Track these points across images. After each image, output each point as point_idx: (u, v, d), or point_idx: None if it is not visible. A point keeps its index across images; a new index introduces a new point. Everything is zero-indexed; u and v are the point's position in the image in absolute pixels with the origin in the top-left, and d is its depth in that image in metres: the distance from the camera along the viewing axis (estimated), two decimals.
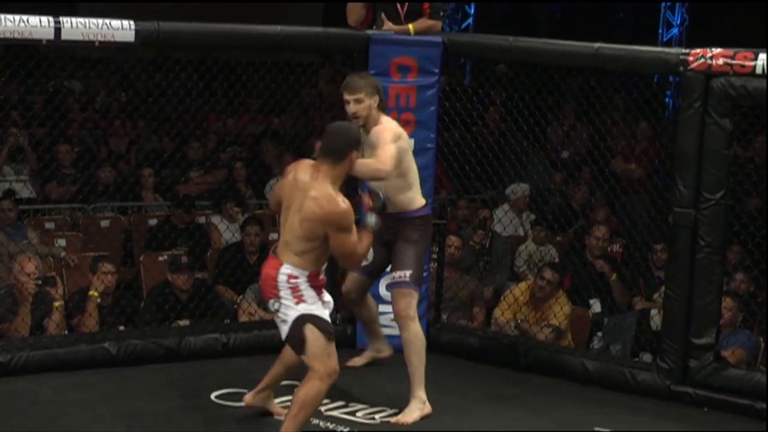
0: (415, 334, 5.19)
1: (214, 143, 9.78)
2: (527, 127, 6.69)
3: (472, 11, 14.51)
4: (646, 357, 6.58)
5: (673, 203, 5.50)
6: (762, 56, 5.22)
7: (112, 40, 5.45)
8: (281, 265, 4.52)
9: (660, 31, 14.36)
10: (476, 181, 8.29)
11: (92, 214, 8.24)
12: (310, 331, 4.52)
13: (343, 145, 4.51)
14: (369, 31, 6.02)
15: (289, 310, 4.53)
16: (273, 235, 8.05)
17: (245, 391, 5.15)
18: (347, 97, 5.15)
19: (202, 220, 8.16)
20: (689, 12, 14.19)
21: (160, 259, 7.34)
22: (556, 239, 8.19)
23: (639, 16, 14.70)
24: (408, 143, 5.29)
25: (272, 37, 5.86)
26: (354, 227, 4.52)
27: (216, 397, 5.31)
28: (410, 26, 5.96)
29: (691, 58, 5.37)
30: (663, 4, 14.33)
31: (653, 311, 6.80)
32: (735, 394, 5.44)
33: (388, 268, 5.39)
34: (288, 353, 4.88)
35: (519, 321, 6.69)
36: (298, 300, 4.52)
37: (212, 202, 8.32)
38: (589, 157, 7.80)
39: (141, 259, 7.52)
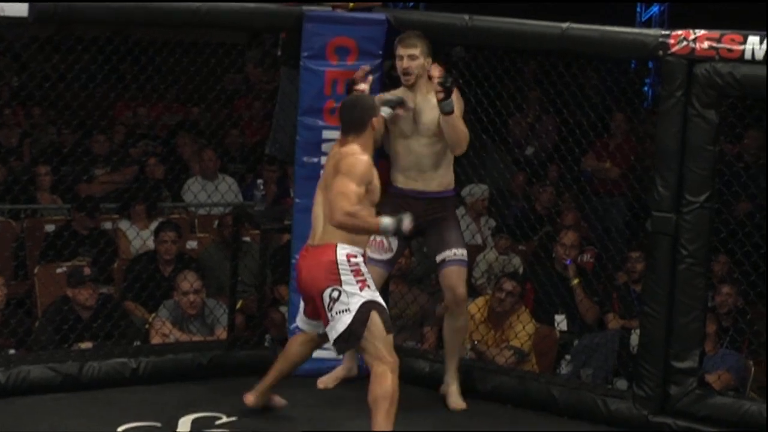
0: (467, 319, 5.79)
1: (122, 136, 9.71)
2: (486, 119, 6.72)
3: None
4: (621, 383, 6.64)
5: (652, 207, 5.55)
6: (752, 39, 5.28)
7: (2, 14, 5.41)
8: (336, 246, 4.82)
9: (638, 9, 14.47)
10: None
11: None
12: (377, 320, 4.85)
13: (363, 115, 4.99)
14: (303, 7, 6.02)
15: (352, 297, 4.82)
16: (191, 243, 8.04)
17: (157, 424, 5.13)
18: (401, 51, 5.55)
19: (108, 225, 8.11)
20: None
21: (59, 271, 7.27)
22: (519, 248, 8.24)
23: None
24: None
25: (191, 14, 5.85)
26: (364, 187, 4.84)
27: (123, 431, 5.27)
28: None
29: (671, 41, 5.44)
30: None
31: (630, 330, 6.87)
32: (721, 425, 5.50)
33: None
34: (293, 348, 5.23)
35: (476, 342, 6.72)
36: (362, 285, 4.84)
37: (120, 204, 8.27)
38: (557, 154, 7.86)
39: (35, 271, 7.46)
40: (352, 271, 4.85)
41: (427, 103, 5.55)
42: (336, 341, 4.93)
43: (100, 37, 6.45)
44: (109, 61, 6.51)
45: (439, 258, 5.63)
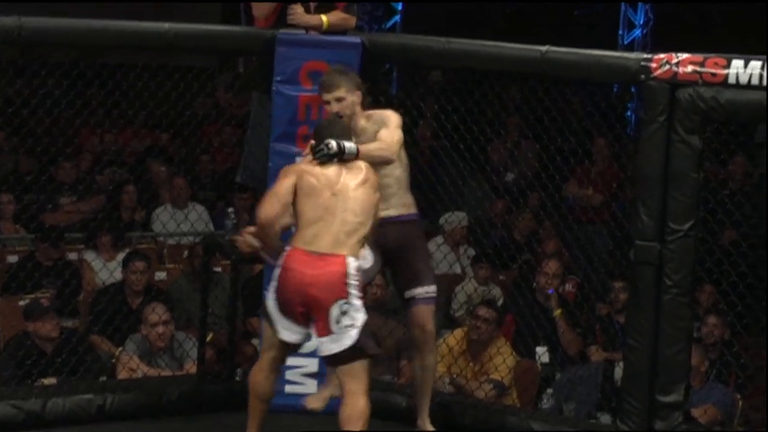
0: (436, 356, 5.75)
1: (88, 163, 9.69)
2: (464, 145, 6.73)
3: (400, 7, 14.59)
4: (605, 418, 6.64)
5: (635, 235, 5.56)
6: (736, 63, 5.31)
7: None
8: (345, 257, 4.92)
9: (620, 32, 14.55)
10: None
11: None
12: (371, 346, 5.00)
13: (342, 134, 5.14)
14: (275, 31, 6.02)
15: (357, 313, 4.93)
16: (160, 274, 8.01)
17: None
18: (326, 97, 5.40)
19: (73, 256, 8.07)
20: (654, 11, 14.41)
21: (21, 303, 7.24)
22: (499, 278, 8.25)
23: (599, 15, 14.87)
24: None
25: (159, 36, 5.84)
26: None
27: None
28: (323, 17, 5.97)
29: (653, 65, 5.46)
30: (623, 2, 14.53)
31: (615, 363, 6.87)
32: None
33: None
34: (261, 385, 5.18)
35: (454, 376, 6.71)
36: (362, 302, 4.95)
37: (86, 234, 8.24)
38: (537, 181, 7.88)
39: None
40: (357, 285, 4.95)
41: (367, 136, 5.42)
42: (335, 356, 4.98)
43: (65, 61, 6.43)
44: (75, 86, 6.48)
45: (408, 294, 5.58)
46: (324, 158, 5.07)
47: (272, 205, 5.05)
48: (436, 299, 5.67)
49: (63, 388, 6.02)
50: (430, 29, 6.54)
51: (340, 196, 5.02)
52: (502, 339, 6.93)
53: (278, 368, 5.31)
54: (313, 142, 5.15)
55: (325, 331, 4.95)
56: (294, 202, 5.05)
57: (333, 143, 5.08)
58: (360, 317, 4.94)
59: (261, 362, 5.27)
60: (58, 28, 5.70)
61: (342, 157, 5.09)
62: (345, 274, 4.94)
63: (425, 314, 5.58)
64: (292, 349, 5.19)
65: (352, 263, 4.96)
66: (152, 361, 6.70)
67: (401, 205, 5.53)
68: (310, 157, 5.12)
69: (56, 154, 8.08)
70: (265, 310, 5.13)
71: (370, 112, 5.51)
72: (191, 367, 6.61)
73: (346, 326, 4.92)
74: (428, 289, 5.57)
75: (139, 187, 9.09)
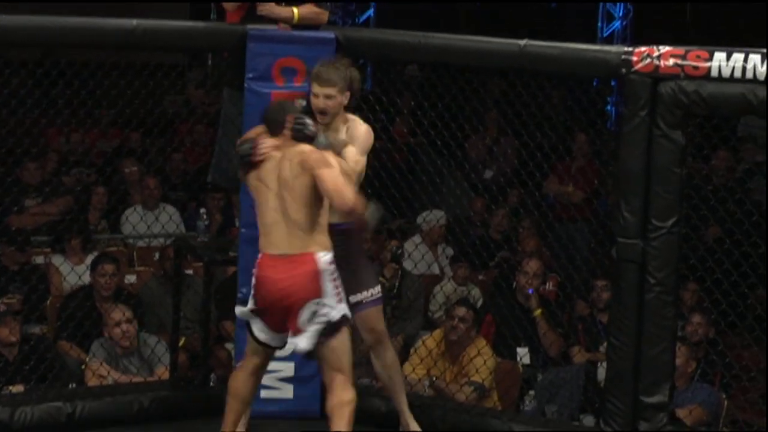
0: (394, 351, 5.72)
1: (54, 164, 9.65)
2: (441, 142, 6.74)
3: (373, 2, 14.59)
4: (588, 420, 6.65)
5: (617, 233, 5.58)
6: (718, 55, 5.32)
7: None
8: (314, 254, 4.93)
9: (599, 24, 14.57)
10: None
11: None
12: (346, 335, 5.04)
13: (284, 116, 5.15)
14: (247, 26, 6.01)
15: (332, 311, 4.97)
16: (129, 277, 7.99)
17: None
18: (317, 89, 5.35)
19: (40, 260, 8.04)
20: (633, 1, 14.44)
21: None
22: (478, 278, 8.26)
23: (578, 7, 14.90)
24: None
25: (127, 34, 5.81)
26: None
27: None
28: (294, 9, 5.94)
29: (634, 58, 5.47)
30: None
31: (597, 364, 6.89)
32: None
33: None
34: (241, 386, 5.21)
35: (434, 378, 6.71)
36: (338, 297, 4.98)
37: (53, 237, 8.20)
38: (517, 178, 7.90)
39: None
40: (332, 280, 4.98)
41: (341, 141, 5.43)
42: (310, 353, 5.05)
43: (29, 60, 6.41)
44: (40, 85, 6.47)
45: (354, 299, 5.52)
46: (299, 136, 5.10)
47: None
48: (383, 299, 5.66)
49: (31, 396, 6.00)
50: (405, 23, 6.54)
51: (283, 192, 5.04)
52: (482, 340, 6.94)
53: (261, 373, 5.33)
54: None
55: (297, 330, 5.00)
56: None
57: (310, 123, 5.14)
58: (334, 314, 4.98)
59: (244, 364, 5.28)
60: (20, 26, 5.65)
61: (312, 144, 5.11)
62: (317, 272, 4.96)
63: (373, 316, 5.57)
64: (271, 351, 5.21)
65: (323, 257, 4.98)
66: (120, 364, 6.68)
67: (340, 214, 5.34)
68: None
69: (21, 154, 8.04)
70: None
71: (349, 116, 5.48)
72: (163, 372, 6.60)
73: (318, 323, 4.97)
74: (373, 292, 5.56)
75: (108, 188, 9.05)
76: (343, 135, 5.41)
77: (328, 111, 5.35)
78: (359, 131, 5.44)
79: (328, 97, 5.34)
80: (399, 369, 5.80)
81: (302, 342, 5.01)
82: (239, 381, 5.25)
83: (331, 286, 4.99)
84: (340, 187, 4.96)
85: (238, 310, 5.21)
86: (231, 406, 5.26)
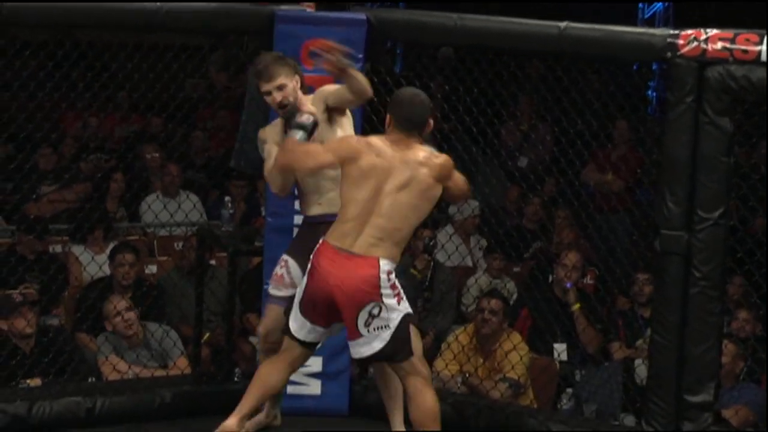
0: None
1: (72, 149, 9.69)
2: (476, 128, 6.74)
3: None
4: (629, 419, 6.65)
5: (661, 224, 5.57)
6: None
7: None
8: (378, 261, 4.93)
9: (640, 5, 14.50)
10: None
11: None
12: (414, 333, 5.07)
13: (427, 113, 5.09)
14: (274, 7, 6.02)
15: (392, 313, 4.96)
16: (151, 267, 8.01)
17: None
18: (266, 87, 5.34)
19: (58, 248, 8.08)
20: None
21: None
22: (513, 270, 8.25)
23: None
24: None
25: (150, 15, 5.83)
26: None
27: None
28: None
29: (681, 41, 5.46)
30: None
31: (637, 361, 6.88)
32: None
33: None
34: (271, 375, 5.17)
35: (467, 375, 6.72)
36: (398, 298, 4.97)
37: (73, 225, 8.23)
38: (554, 166, 7.89)
39: None
40: (390, 285, 4.96)
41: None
42: (368, 359, 5.05)
43: (49, 42, 6.43)
44: (60, 68, 6.48)
45: None
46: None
47: (303, 162, 5.13)
48: None
49: (49, 390, 6.03)
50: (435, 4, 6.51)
51: (382, 196, 4.97)
52: (517, 335, 6.94)
53: (296, 367, 5.26)
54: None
55: (354, 334, 4.98)
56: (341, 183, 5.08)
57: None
58: (395, 317, 4.96)
59: (280, 357, 5.20)
60: (41, 6, 5.67)
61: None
62: (376, 277, 4.93)
63: None
64: (310, 349, 5.18)
65: (385, 266, 4.94)
66: (128, 358, 6.70)
67: (333, 204, 5.31)
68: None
69: (39, 140, 8.07)
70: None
71: (310, 96, 5.46)
72: (182, 364, 6.65)
73: (377, 328, 4.95)
74: None
75: (127, 175, 9.08)
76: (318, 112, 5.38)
77: (287, 101, 5.33)
78: (329, 86, 5.43)
79: (279, 88, 5.33)
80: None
81: (364, 348, 4.99)
82: (271, 372, 5.18)
83: (388, 291, 4.94)
84: (465, 187, 5.19)
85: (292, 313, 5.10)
86: (254, 393, 5.18)
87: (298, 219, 5.78)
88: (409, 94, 5.12)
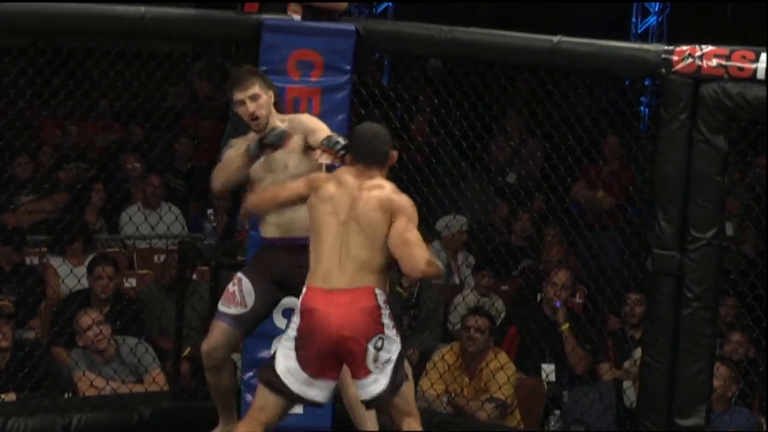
0: None
1: (51, 158, 9.66)
2: (465, 143, 6.75)
3: None
4: None
5: (653, 243, 5.58)
6: (765, 56, 5.32)
7: None
8: (374, 289, 4.85)
9: (633, 19, 14.52)
10: None
11: None
12: (408, 373, 5.00)
13: (387, 147, 5.01)
14: (262, 15, 6.02)
15: (392, 345, 4.90)
16: (131, 281, 8.00)
17: None
18: (239, 96, 5.34)
19: (35, 260, 8.06)
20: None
21: None
22: (501, 288, 8.26)
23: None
24: None
25: (134, 21, 5.83)
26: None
27: None
28: None
29: (675, 58, 5.47)
30: None
31: (626, 383, 6.90)
32: None
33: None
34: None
35: (453, 395, 6.73)
36: (395, 330, 4.93)
37: (52, 237, 8.21)
38: (544, 182, 7.90)
39: None
40: (389, 315, 4.90)
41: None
42: (374, 398, 4.91)
43: (30, 47, 6.43)
44: (41, 74, 6.48)
45: None
46: (344, 150, 5.05)
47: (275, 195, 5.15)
48: None
49: (24, 405, 6.02)
50: (423, 13, 6.53)
51: (348, 226, 4.90)
52: (503, 354, 6.95)
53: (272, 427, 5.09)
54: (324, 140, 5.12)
55: (361, 372, 4.88)
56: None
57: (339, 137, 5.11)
58: (395, 348, 4.88)
59: (249, 420, 5.00)
60: (22, 11, 5.66)
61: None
62: (376, 307, 4.86)
63: None
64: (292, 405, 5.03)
65: (381, 296, 4.87)
66: (105, 372, 6.69)
67: (301, 227, 5.29)
68: (325, 157, 5.07)
69: (18, 148, 8.06)
70: (272, 374, 4.91)
71: (285, 116, 5.48)
72: (157, 378, 6.65)
73: (384, 363, 4.86)
74: None
75: (108, 186, 9.06)
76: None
77: (260, 113, 5.33)
78: (307, 121, 5.43)
79: (253, 98, 5.32)
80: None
81: (372, 387, 4.88)
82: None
83: (389, 322, 4.89)
84: (417, 249, 4.84)
85: (284, 365, 4.89)
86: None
87: None
88: (367, 130, 5.04)
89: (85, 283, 7.53)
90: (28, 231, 8.50)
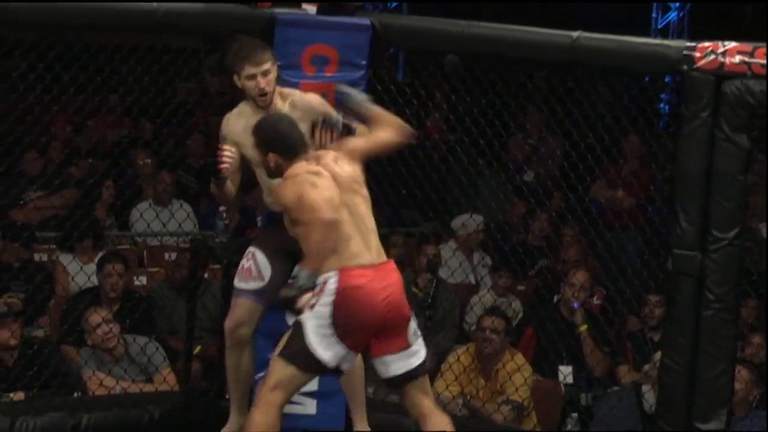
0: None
1: (61, 154, 9.68)
2: (483, 140, 6.74)
3: None
4: None
5: (673, 243, 5.57)
6: None
7: None
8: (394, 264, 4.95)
9: (653, 14, 14.48)
10: (414, 211, 8.30)
11: None
12: None
13: (297, 126, 5.12)
14: (276, 9, 6.03)
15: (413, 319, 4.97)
16: (141, 279, 8.02)
17: None
18: (252, 70, 5.35)
19: (44, 257, 8.08)
20: None
21: None
22: (517, 288, 8.26)
23: None
24: None
25: (148, 16, 5.85)
26: None
27: None
28: None
29: (697, 54, 5.47)
30: None
31: (645, 387, 6.89)
32: None
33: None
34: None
35: (468, 397, 6.73)
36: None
37: (61, 234, 8.23)
38: (563, 181, 7.89)
39: None
40: None
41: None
42: (414, 369, 4.96)
43: (41, 42, 6.44)
44: (51, 69, 6.50)
45: None
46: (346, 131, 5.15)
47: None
48: None
49: (33, 404, 6.04)
50: (431, 11, 6.52)
51: (348, 195, 4.98)
52: (520, 355, 6.95)
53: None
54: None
55: (405, 344, 4.92)
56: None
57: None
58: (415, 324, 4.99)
59: (264, 406, 5.00)
60: (35, 7, 5.67)
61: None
62: (402, 280, 4.98)
63: None
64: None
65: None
66: (115, 371, 6.71)
67: None
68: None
69: (28, 143, 8.08)
70: (298, 346, 4.91)
71: (285, 90, 5.50)
72: (168, 376, 6.67)
73: (418, 334, 4.97)
74: None
75: (118, 182, 9.08)
76: (286, 109, 5.40)
77: (269, 89, 5.36)
78: (311, 100, 5.47)
79: (265, 74, 5.35)
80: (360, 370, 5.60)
81: (413, 359, 4.93)
82: (260, 422, 4.98)
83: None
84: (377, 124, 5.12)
85: (316, 338, 4.89)
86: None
87: None
88: (274, 124, 5.10)
89: (94, 280, 7.56)
90: (38, 227, 8.53)
